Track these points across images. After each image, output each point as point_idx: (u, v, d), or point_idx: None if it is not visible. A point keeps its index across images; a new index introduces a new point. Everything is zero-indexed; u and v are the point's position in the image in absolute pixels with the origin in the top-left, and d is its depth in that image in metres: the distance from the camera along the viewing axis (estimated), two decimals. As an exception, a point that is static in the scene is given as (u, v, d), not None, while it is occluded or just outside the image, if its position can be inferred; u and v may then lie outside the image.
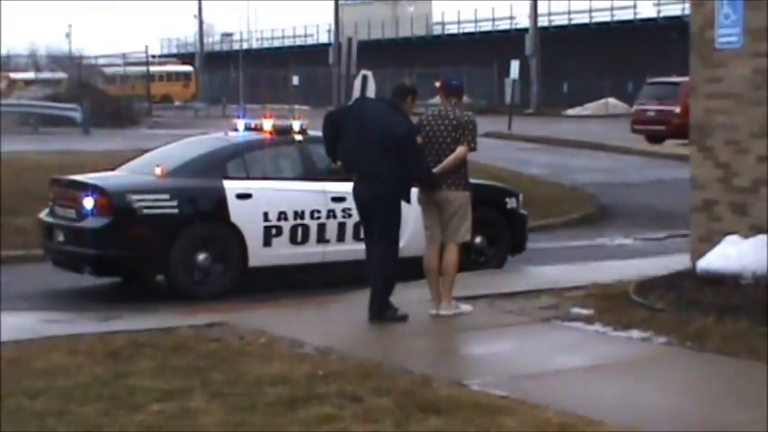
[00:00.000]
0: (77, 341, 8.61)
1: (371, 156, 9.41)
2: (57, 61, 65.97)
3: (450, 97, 9.80)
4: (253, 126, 12.53)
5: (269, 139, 12.20)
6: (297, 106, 48.18)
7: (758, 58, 10.82)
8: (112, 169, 12.79)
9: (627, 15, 61.41)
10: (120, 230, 11.16)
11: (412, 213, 10.51)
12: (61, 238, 11.64)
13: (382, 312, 9.46)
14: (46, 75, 62.01)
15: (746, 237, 10.41)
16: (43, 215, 12.22)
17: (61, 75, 58.34)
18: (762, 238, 10.28)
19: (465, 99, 10.21)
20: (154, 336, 8.83)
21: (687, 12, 45.18)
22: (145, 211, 11.15)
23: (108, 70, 67.78)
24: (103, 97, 46.10)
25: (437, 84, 10.05)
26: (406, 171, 9.35)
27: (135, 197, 11.20)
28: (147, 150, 13.77)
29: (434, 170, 9.54)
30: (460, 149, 9.58)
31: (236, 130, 12.80)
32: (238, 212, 11.46)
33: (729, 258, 10.07)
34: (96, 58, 70.10)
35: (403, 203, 9.63)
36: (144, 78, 60.05)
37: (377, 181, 9.40)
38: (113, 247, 11.19)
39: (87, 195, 11.37)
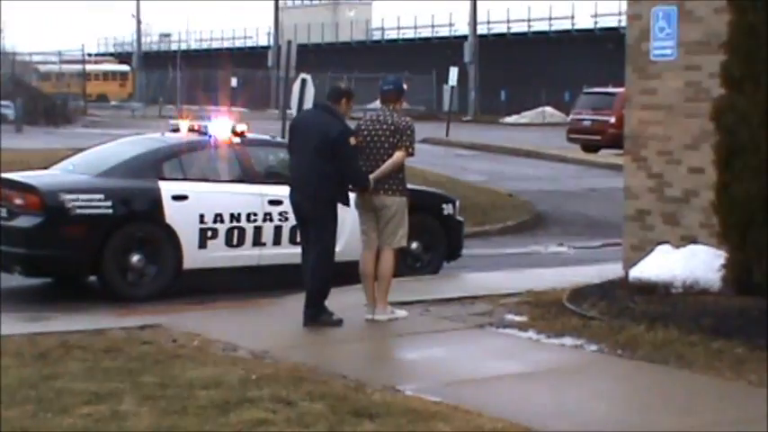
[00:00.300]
0: (5, 342, 8.46)
1: (306, 161, 9.46)
2: (-11, 57, 64.92)
3: (387, 102, 9.80)
4: (196, 128, 12.43)
5: (207, 140, 12.11)
6: (234, 109, 47.86)
7: (691, 71, 11.01)
8: (45, 168, 12.61)
9: (565, 25, 62.12)
10: (52, 230, 11.00)
11: (349, 218, 10.52)
12: (-9, 236, 11.44)
13: (317, 316, 9.44)
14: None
15: (678, 246, 10.57)
16: (-27, 213, 11.99)
17: (-7, 71, 57.44)
18: (692, 247, 10.44)
19: (403, 105, 10.16)
20: (85, 337, 8.71)
21: (623, 24, 45.78)
22: (78, 210, 11.00)
23: (43, 67, 66.88)
24: (37, 95, 45.45)
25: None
26: (339, 174, 9.34)
27: (68, 197, 11.05)
28: (81, 149, 13.60)
29: (372, 175, 9.54)
30: (398, 154, 9.59)
31: (174, 131, 12.68)
32: (174, 214, 11.36)
33: (661, 268, 10.21)
34: (31, 54, 69.17)
35: (340, 208, 9.64)
36: (80, 76, 59.37)
37: (311, 185, 9.40)
38: (45, 246, 11.02)
39: (19, 194, 11.20)
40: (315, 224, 9.48)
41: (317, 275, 9.45)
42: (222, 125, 12.22)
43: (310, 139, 9.46)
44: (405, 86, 10.14)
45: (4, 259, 11.34)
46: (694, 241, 10.66)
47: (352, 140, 9.41)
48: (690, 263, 10.10)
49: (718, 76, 9.13)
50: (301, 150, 9.56)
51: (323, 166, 9.31)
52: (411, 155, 9.72)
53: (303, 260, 9.69)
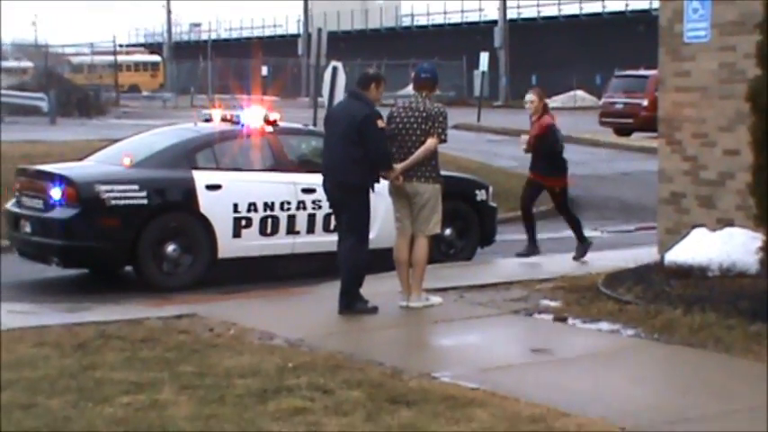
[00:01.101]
0: (44, 333, 8.55)
1: (335, 148, 9.50)
2: (22, 50, 65.42)
3: (421, 89, 9.78)
4: (228, 117, 12.46)
5: (239, 129, 12.15)
6: (266, 97, 47.93)
7: (725, 52, 10.91)
8: (80, 159, 12.70)
9: (595, 8, 61.73)
10: (87, 221, 11.08)
11: (382, 205, 10.52)
12: (28, 228, 11.54)
13: (352, 304, 9.46)
14: (11, 63, 61.48)
15: (713, 229, 10.50)
16: (9, 205, 12.11)
17: (27, 63, 57.85)
18: (728, 230, 10.36)
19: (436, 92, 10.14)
20: (122, 327, 8.78)
21: (655, 5, 45.43)
22: (113, 201, 11.07)
23: (75, 59, 67.25)
24: (70, 87, 45.63)
25: (413, 74, 10.07)
26: (367, 157, 9.34)
27: (103, 188, 11.12)
28: (115, 140, 13.67)
29: (404, 162, 9.53)
30: (430, 141, 9.57)
31: (206, 121, 12.72)
32: (208, 203, 11.41)
33: (697, 251, 10.14)
34: (63, 47, 69.58)
35: (373, 196, 9.64)
36: (111, 68, 59.65)
37: (341, 171, 9.42)
38: (81, 237, 11.10)
39: (55, 185, 11.28)
40: (346, 211, 9.49)
41: (351, 264, 9.46)
42: (254, 114, 12.25)
43: (340, 126, 9.52)
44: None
45: (41, 250, 11.45)
46: (730, 224, 10.58)
47: (380, 123, 9.40)
48: (726, 246, 10.02)
49: (754, 57, 9.04)
50: (332, 138, 9.61)
51: (351, 152, 9.33)
52: (443, 141, 9.70)
53: (339, 248, 9.71)
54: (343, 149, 9.40)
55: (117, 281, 11.88)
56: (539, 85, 56.28)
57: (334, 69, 19.58)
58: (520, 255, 12.56)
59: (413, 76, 10.02)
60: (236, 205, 11.54)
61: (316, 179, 10.43)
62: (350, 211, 9.47)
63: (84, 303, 10.24)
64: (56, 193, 11.23)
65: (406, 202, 9.70)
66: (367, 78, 9.74)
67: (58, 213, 11.18)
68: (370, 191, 9.51)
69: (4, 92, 40.92)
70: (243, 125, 12.18)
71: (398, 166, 9.55)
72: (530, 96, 13.23)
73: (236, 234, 11.55)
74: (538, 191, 12.81)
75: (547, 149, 12.45)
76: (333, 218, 10.42)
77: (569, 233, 13.07)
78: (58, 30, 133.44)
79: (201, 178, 11.49)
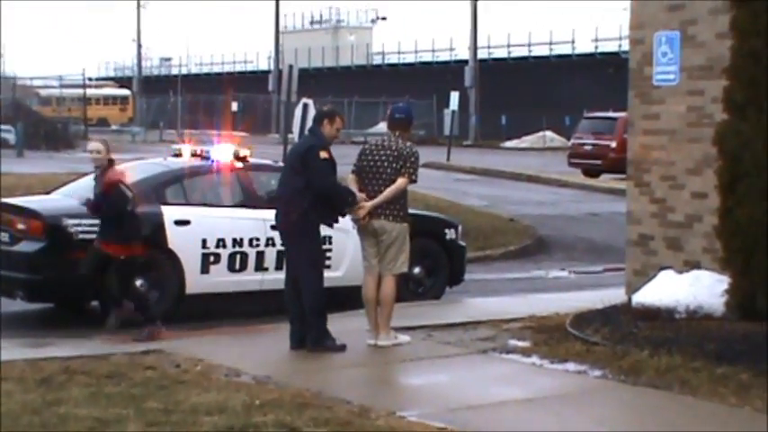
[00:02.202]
0: (8, 367, 8.44)
1: (283, 179, 9.68)
2: (-10, 82, 65.05)
3: (395, 129, 9.82)
4: (198, 153, 12.44)
5: (209, 165, 12.12)
6: (235, 133, 47.93)
7: (694, 96, 11.02)
8: (47, 193, 12.61)
9: (565, 50, 62.32)
10: (54, 255, 11.00)
11: (351, 243, 10.51)
12: (-7, 261, 11.43)
13: (320, 341, 9.42)
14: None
15: (681, 272, 10.56)
16: (-24, 238, 11.98)
17: (-5, 95, 57.56)
18: (695, 273, 10.43)
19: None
20: (87, 362, 8.70)
21: (624, 48, 45.93)
22: (80, 235, 11.00)
23: (43, 92, 67.08)
24: (38, 119, 45.53)
25: (388, 112, 10.14)
26: (311, 187, 9.37)
27: (70, 221, 11.04)
28: (83, 174, 13.60)
29: (373, 200, 9.54)
30: (401, 181, 9.59)
31: (176, 155, 12.69)
32: (176, 239, 11.35)
33: (664, 293, 10.19)
34: (32, 79, 69.33)
35: (344, 233, 9.64)
36: (80, 101, 59.51)
37: (285, 202, 9.47)
38: (47, 271, 11.01)
39: (21, 219, 11.19)
40: (297, 245, 9.48)
41: (313, 301, 9.40)
42: (224, 150, 12.23)
43: (289, 160, 9.77)
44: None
45: (6, 284, 11.33)
46: (697, 266, 10.64)
47: (323, 154, 9.44)
48: (693, 288, 10.08)
49: (721, 101, 9.15)
50: (283, 174, 9.80)
51: (295, 182, 9.44)
52: (413, 181, 9.73)
53: (285, 283, 9.68)
54: (288, 181, 9.54)
55: (83, 316, 11.76)
56: (508, 124, 56.80)
57: (305, 106, 19.62)
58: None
59: (387, 116, 10.07)
60: (204, 241, 11.50)
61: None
62: (299, 245, 9.47)
63: (49, 338, 10.14)
64: (22, 226, 11.14)
65: (373, 240, 9.70)
66: (320, 114, 9.91)
67: (24, 247, 11.09)
68: (322, 225, 9.51)
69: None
70: (213, 161, 12.16)
71: (367, 204, 9.56)
72: (94, 145, 10.65)
73: (205, 270, 11.50)
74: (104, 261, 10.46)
75: (113, 210, 10.27)
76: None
77: (538, 272, 13.10)
78: (27, 62, 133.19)
79: (170, 213, 11.44)
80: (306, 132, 12.88)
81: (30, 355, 9.04)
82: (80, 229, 11.01)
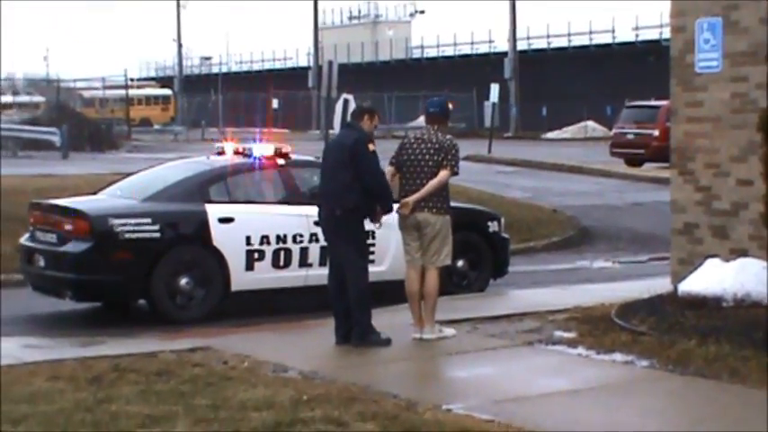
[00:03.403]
0: (59, 366, 8.56)
1: (329, 174, 9.64)
2: (34, 84, 65.78)
3: (432, 123, 9.83)
4: (241, 150, 12.51)
5: (252, 162, 12.19)
6: (276, 130, 48.14)
7: (737, 83, 10.92)
8: (93, 193, 12.75)
9: (605, 39, 61.85)
10: (101, 255, 11.11)
11: (393, 237, 10.52)
12: (42, 262, 11.58)
13: (365, 336, 9.45)
14: (23, 98, 61.80)
15: (727, 260, 10.47)
16: (23, 240, 12.15)
17: (39, 98, 58.18)
18: (742, 261, 10.33)
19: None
20: (136, 360, 8.78)
21: (665, 36, 45.55)
22: (126, 235, 11.11)
23: (86, 93, 67.58)
24: (82, 120, 45.84)
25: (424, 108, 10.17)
26: (360, 181, 9.37)
27: (116, 221, 11.16)
28: (127, 174, 13.73)
29: (417, 194, 9.55)
30: (443, 173, 9.60)
31: (219, 153, 12.76)
32: (221, 236, 11.43)
33: (710, 281, 10.11)
34: (75, 81, 69.94)
35: (385, 229, 9.65)
36: (123, 101, 59.95)
37: (334, 197, 9.47)
38: (94, 271, 11.13)
39: (68, 219, 11.32)
40: (343, 240, 9.50)
41: (358, 296, 9.43)
42: (266, 147, 12.29)
43: (332, 154, 9.70)
44: (450, 107, 10.18)
45: (54, 284, 11.47)
46: (744, 254, 10.55)
47: (371, 146, 9.46)
48: (740, 276, 10.00)
49: (765, 87, 9.06)
50: (326, 167, 9.76)
51: (344, 176, 9.41)
52: (455, 174, 9.73)
53: (329, 279, 9.71)
54: (335, 175, 9.50)
55: (130, 314, 11.88)
56: (549, 115, 56.42)
57: (346, 101, 19.68)
58: None
59: (424, 110, 10.09)
60: (248, 238, 11.56)
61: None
62: (345, 240, 9.48)
63: (98, 337, 10.24)
64: (69, 226, 11.27)
65: (416, 234, 9.70)
66: (360, 110, 9.91)
67: (72, 247, 11.22)
68: (386, 223, 9.53)
69: (17, 127, 41.10)
70: (255, 158, 12.22)
71: (411, 198, 9.57)
72: None
73: (249, 267, 11.56)
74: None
75: None
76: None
77: (582, 263, 13.03)
78: (70, 64, 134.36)
79: (214, 211, 11.52)
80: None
81: (80, 354, 9.15)
82: (126, 228, 11.12)
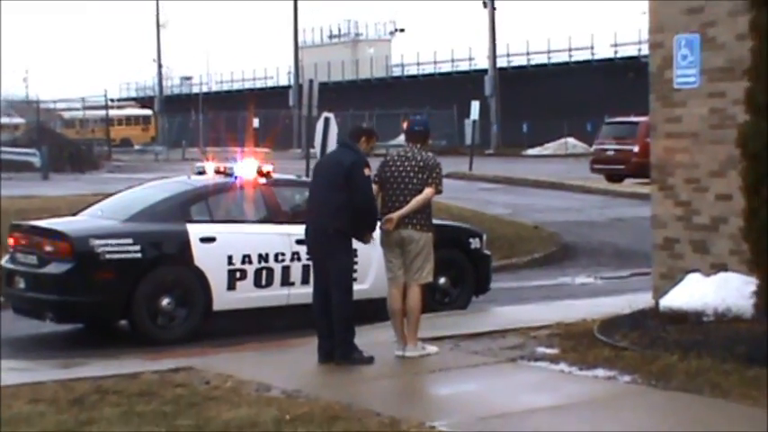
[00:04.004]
0: (40, 389, 8.51)
1: (321, 193, 9.59)
2: (13, 106, 65.52)
3: (414, 141, 9.86)
4: (222, 170, 12.50)
5: (233, 182, 12.18)
6: (257, 149, 48.09)
7: (715, 98, 11.00)
8: (74, 214, 12.71)
9: (585, 56, 62.22)
10: (82, 276, 11.07)
11: (376, 255, 10.54)
12: (22, 284, 11.53)
13: (348, 354, 9.44)
14: (3, 120, 61.53)
15: (708, 274, 10.51)
16: (4, 261, 12.10)
17: (18, 120, 57.98)
18: (723, 275, 10.38)
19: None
20: (118, 382, 8.75)
21: (644, 52, 45.79)
22: (108, 255, 11.08)
23: (66, 114, 67.43)
24: (62, 141, 45.75)
25: (404, 125, 10.17)
26: (352, 203, 9.38)
27: (97, 242, 11.13)
28: (108, 194, 13.69)
29: (401, 210, 9.56)
30: (428, 191, 9.62)
31: (200, 173, 12.75)
32: (202, 256, 11.42)
33: (692, 296, 10.16)
34: (55, 102, 69.78)
35: (368, 246, 9.65)
36: (103, 122, 59.84)
37: (326, 216, 9.45)
38: (76, 292, 11.09)
39: (49, 241, 11.28)
40: (330, 259, 9.49)
41: (341, 314, 9.43)
42: (248, 166, 12.29)
43: (326, 173, 9.64)
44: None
45: (35, 306, 11.42)
46: (725, 269, 10.60)
47: (367, 171, 9.46)
48: (721, 290, 10.04)
49: (743, 103, 9.12)
50: (319, 185, 9.71)
51: (337, 197, 9.39)
52: (440, 192, 9.76)
53: (314, 297, 9.70)
54: (328, 195, 9.47)
55: (112, 335, 11.84)
56: (529, 132, 56.63)
57: (327, 120, 19.68)
58: None
59: (405, 129, 10.10)
60: (230, 257, 11.55)
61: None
62: (334, 259, 9.48)
63: (80, 358, 10.21)
64: (50, 248, 11.23)
65: (398, 251, 9.71)
66: (359, 131, 9.86)
67: (53, 269, 11.18)
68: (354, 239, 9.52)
69: (-2, 149, 40.93)
70: (236, 177, 12.21)
71: (395, 214, 9.58)
72: None
73: (231, 286, 11.54)
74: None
75: None
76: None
77: (564, 279, 13.07)
78: (50, 85, 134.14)
79: (196, 231, 11.51)
80: (336, 145, 12.88)
81: (61, 376, 9.10)
82: (107, 249, 11.09)
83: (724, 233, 10.88)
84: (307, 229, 9.75)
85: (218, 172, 12.51)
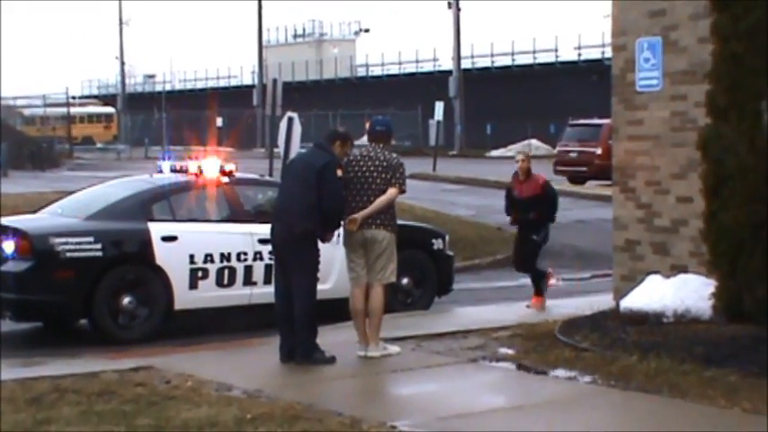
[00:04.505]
0: (-2, 388, 8.43)
1: (291, 192, 9.56)
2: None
3: (377, 141, 9.85)
4: (178, 168, 12.44)
5: (194, 181, 12.12)
6: (221, 148, 47.92)
7: (677, 101, 11.09)
8: (34, 212, 12.60)
9: (549, 58, 62.50)
10: (42, 274, 10.97)
11: (338, 254, 10.53)
12: (-19, 282, 11.40)
13: (310, 354, 9.43)
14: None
15: (668, 276, 10.60)
16: (-37, 259, 11.96)
17: (-22, 116, 57.42)
18: (682, 277, 10.48)
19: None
20: (77, 381, 8.68)
21: (607, 55, 46.09)
22: (68, 254, 10.99)
23: (27, 111, 66.87)
24: (22, 139, 45.40)
25: (366, 125, 10.16)
26: (321, 205, 9.36)
27: (57, 240, 11.03)
28: (69, 193, 13.58)
29: (365, 211, 9.55)
30: (392, 191, 9.62)
31: (160, 171, 12.68)
32: (164, 255, 11.35)
33: (652, 297, 10.24)
34: (15, 98, 69.17)
35: (330, 246, 9.65)
36: (64, 120, 59.39)
37: (295, 216, 9.43)
38: (35, 291, 10.99)
39: (8, 239, 11.18)
40: (296, 258, 9.47)
41: (304, 314, 9.41)
42: (210, 165, 12.22)
43: (298, 173, 9.62)
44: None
45: (-6, 304, 11.30)
46: (684, 270, 10.70)
47: (339, 172, 9.45)
48: (680, 292, 10.13)
49: (704, 106, 9.21)
50: (289, 184, 9.69)
51: (308, 197, 9.37)
52: (403, 192, 9.77)
53: (276, 296, 9.67)
54: (299, 194, 9.45)
55: (72, 334, 11.74)
56: (493, 133, 56.78)
57: (290, 120, 19.61)
58: None
59: (368, 128, 10.09)
60: (192, 256, 11.49)
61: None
62: (300, 259, 9.46)
63: (39, 357, 10.11)
64: (9, 246, 11.12)
65: (361, 251, 9.71)
66: (334, 135, 9.86)
67: (12, 267, 11.07)
68: (320, 240, 9.50)
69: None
70: (198, 176, 12.13)
71: (359, 214, 9.57)
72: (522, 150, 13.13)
73: (193, 285, 11.49)
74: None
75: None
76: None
77: (525, 281, 13.10)
78: (10, 81, 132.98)
79: (157, 230, 11.44)
80: (299, 145, 12.84)
81: (19, 375, 9.01)
82: (67, 247, 11.00)
83: (684, 235, 10.97)
84: (272, 228, 9.72)
85: (176, 171, 12.43)
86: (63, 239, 11.04)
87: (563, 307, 11.81)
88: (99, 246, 11.12)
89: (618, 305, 10.60)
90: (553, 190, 12.62)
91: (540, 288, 12.54)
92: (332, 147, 9.67)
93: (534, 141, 54.17)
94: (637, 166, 11.56)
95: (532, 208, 12.29)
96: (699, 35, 10.53)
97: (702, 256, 9.74)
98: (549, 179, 12.85)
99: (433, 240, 13.03)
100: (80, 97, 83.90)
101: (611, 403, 8.07)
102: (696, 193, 9.79)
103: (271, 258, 11.67)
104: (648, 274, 10.83)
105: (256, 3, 62.48)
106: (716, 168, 8.90)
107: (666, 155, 11.23)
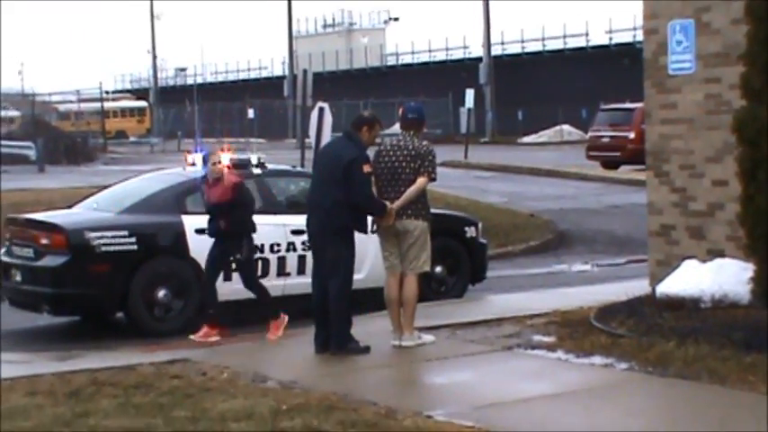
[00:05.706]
0: (37, 381, 8.50)
1: (321, 186, 9.55)
2: (9, 99, 65.48)
3: (409, 129, 9.81)
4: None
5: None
6: (252, 140, 48.08)
7: (711, 84, 10.97)
8: (69, 207, 12.68)
9: (579, 43, 62.12)
10: (78, 268, 11.04)
11: (372, 245, 10.51)
12: (18, 277, 11.50)
13: (344, 345, 9.43)
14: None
15: (704, 261, 10.51)
16: (0, 254, 12.06)
17: (14, 113, 57.94)
18: (719, 261, 10.38)
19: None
20: (114, 374, 8.73)
21: (639, 38, 45.77)
22: (103, 248, 11.05)
23: (62, 107, 67.40)
24: (58, 134, 45.72)
25: (399, 112, 10.13)
26: (349, 199, 9.35)
27: (93, 234, 11.10)
28: (103, 187, 13.66)
29: (397, 202, 9.53)
30: (421, 180, 9.59)
31: (193, 164, 12.69)
32: (198, 247, 11.37)
33: (688, 283, 10.15)
34: (50, 95, 69.73)
35: (362, 236, 9.64)
36: (98, 114, 59.78)
37: (324, 211, 9.43)
38: (72, 285, 11.07)
39: (45, 234, 11.25)
40: (330, 251, 9.47)
41: (338, 305, 9.42)
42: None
43: (327, 166, 9.59)
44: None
45: (32, 299, 11.40)
46: (721, 255, 10.60)
47: (366, 168, 9.41)
48: (717, 277, 10.04)
49: (738, 88, 9.10)
50: (319, 177, 9.67)
51: (335, 192, 9.36)
52: (433, 180, 9.73)
53: (313, 288, 9.67)
54: (327, 189, 9.44)
55: (108, 327, 11.82)
56: (525, 120, 56.58)
57: (321, 110, 19.61)
58: None
59: (400, 116, 10.05)
60: (226, 248, 11.49)
61: (305, 220, 10.41)
62: (333, 252, 9.45)
63: (76, 351, 10.19)
64: (46, 241, 11.20)
65: (395, 240, 9.69)
66: (360, 120, 9.78)
67: (49, 261, 11.15)
68: (356, 232, 9.49)
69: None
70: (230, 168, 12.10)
71: (392, 206, 9.54)
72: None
73: (227, 277, 11.51)
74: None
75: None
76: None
77: (560, 267, 13.06)
78: (45, 78, 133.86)
79: (191, 222, 11.47)
80: (330, 134, 12.77)
81: (58, 369, 9.09)
82: (103, 241, 11.07)
83: (720, 219, 10.87)
84: (308, 220, 9.72)
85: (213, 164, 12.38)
86: (98, 234, 11.10)
87: (598, 293, 11.73)
88: (133, 239, 11.18)
89: (654, 291, 10.52)
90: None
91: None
92: (359, 134, 9.62)
93: (566, 127, 53.96)
94: (671, 150, 11.46)
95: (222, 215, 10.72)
96: (732, 17, 10.41)
97: (740, 240, 9.64)
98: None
99: (466, 228, 13.00)
100: (113, 92, 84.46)
101: (648, 390, 8.01)
102: (732, 176, 9.69)
103: (303, 249, 11.71)
104: (684, 258, 10.74)
105: (286, -6, 62.49)
106: (752, 151, 8.80)
107: (701, 138, 11.12)
